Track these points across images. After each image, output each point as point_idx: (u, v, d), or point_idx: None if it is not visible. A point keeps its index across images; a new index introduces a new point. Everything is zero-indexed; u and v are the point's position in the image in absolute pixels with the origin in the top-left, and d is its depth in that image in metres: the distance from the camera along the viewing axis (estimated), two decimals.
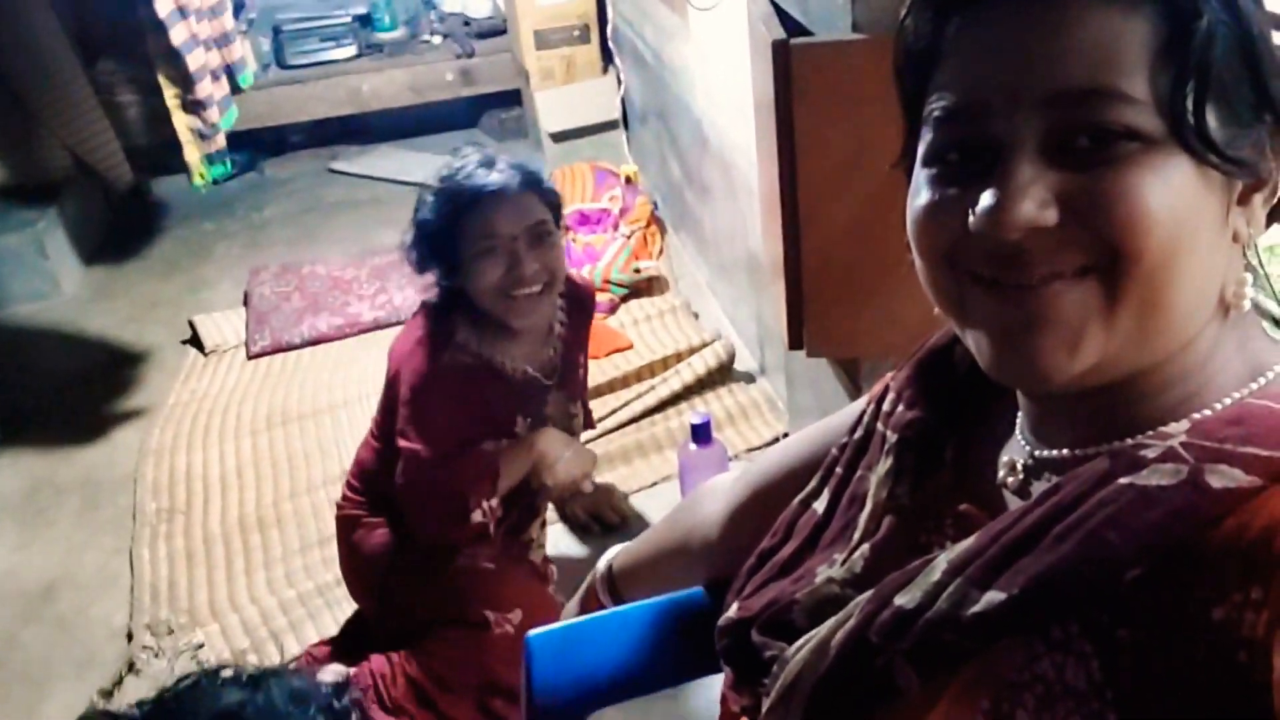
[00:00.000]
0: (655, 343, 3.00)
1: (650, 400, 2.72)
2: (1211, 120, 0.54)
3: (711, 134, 2.88)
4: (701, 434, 2.07)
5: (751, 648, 0.72)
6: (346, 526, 2.01)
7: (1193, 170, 0.54)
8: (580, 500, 2.34)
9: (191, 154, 3.85)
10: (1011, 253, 0.56)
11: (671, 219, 3.60)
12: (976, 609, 0.57)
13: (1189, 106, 0.53)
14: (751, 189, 2.33)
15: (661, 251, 3.48)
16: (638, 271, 3.28)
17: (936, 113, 0.59)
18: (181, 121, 3.82)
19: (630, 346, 2.99)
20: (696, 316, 3.16)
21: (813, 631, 0.67)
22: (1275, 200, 0.60)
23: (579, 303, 2.04)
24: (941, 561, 0.61)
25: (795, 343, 1.63)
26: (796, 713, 0.65)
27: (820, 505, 0.78)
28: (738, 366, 2.86)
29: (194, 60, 3.68)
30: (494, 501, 1.86)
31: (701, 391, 2.78)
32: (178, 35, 3.62)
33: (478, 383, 1.85)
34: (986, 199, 0.55)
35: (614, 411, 2.68)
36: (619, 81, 3.96)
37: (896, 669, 0.60)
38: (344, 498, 2.03)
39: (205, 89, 3.78)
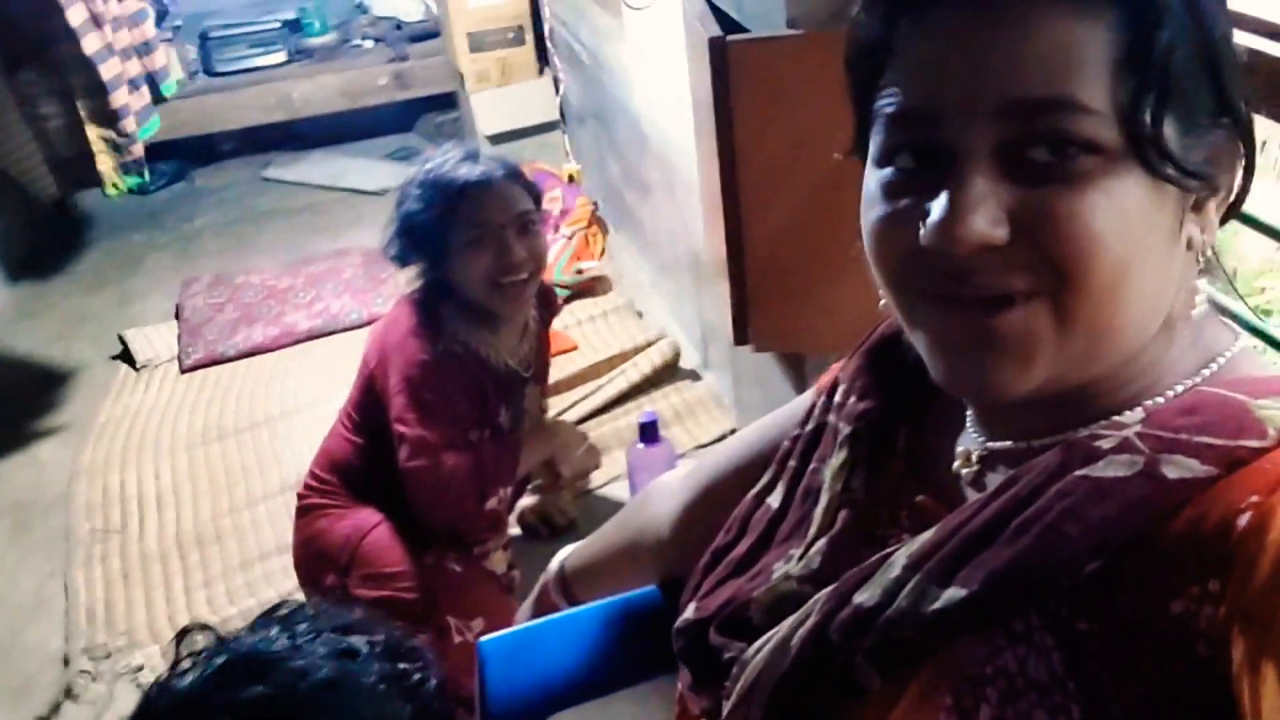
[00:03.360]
0: (600, 343, 2.99)
1: (597, 401, 2.72)
2: (1169, 129, 0.53)
3: (650, 133, 2.87)
4: (649, 433, 2.06)
5: (710, 649, 0.70)
6: (308, 516, 1.97)
7: (1147, 184, 0.53)
8: (529, 503, 2.33)
9: (105, 163, 3.76)
10: (962, 269, 0.54)
11: (612, 219, 3.59)
12: (937, 605, 0.56)
13: (1148, 118, 0.52)
14: (691, 187, 2.33)
15: (603, 252, 3.47)
16: (580, 272, 3.27)
17: (887, 110, 0.57)
18: (95, 131, 3.73)
19: (575, 348, 2.98)
20: (640, 316, 3.15)
21: (772, 631, 0.66)
22: (1229, 204, 0.59)
23: (544, 298, 2.10)
24: (900, 557, 0.60)
25: (740, 338, 1.64)
26: (757, 714, 0.64)
27: (774, 500, 0.76)
28: (683, 364, 2.86)
29: (108, 69, 3.59)
30: (507, 490, 1.92)
31: (648, 391, 2.78)
32: (90, 44, 3.54)
33: (471, 372, 1.88)
34: (937, 213, 0.54)
35: (561, 413, 2.66)
36: (556, 82, 3.94)
37: (858, 668, 0.59)
38: (307, 486, 2.00)
39: (121, 98, 3.70)
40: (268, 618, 0.85)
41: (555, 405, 2.69)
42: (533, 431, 2.06)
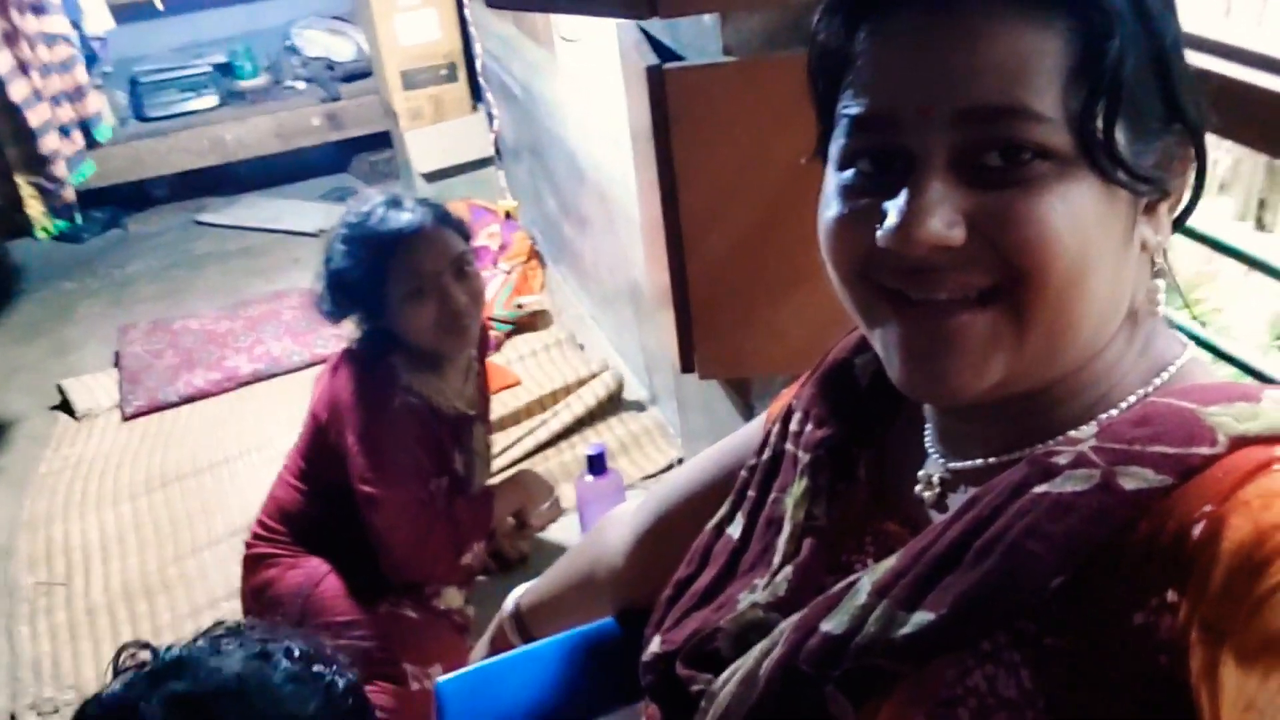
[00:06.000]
0: (543, 377, 3.01)
1: (542, 435, 2.73)
2: (1120, 136, 0.54)
3: (587, 166, 2.91)
4: (597, 465, 2.08)
5: (678, 682, 0.69)
6: (257, 565, 1.95)
7: (1100, 188, 0.54)
8: None
9: (33, 208, 3.71)
10: (918, 268, 0.56)
11: (551, 253, 3.62)
12: (906, 630, 0.56)
13: (1099, 125, 0.53)
14: (631, 218, 2.37)
15: (543, 286, 3.50)
16: (520, 307, 3.29)
17: (848, 115, 0.59)
18: (23, 177, 3.68)
19: (518, 383, 2.99)
20: (582, 348, 3.18)
21: (739, 661, 0.65)
22: (1180, 208, 0.61)
23: (480, 335, 2.08)
24: (865, 583, 0.60)
25: (687, 366, 1.66)
26: None
27: (735, 530, 0.76)
28: (627, 395, 2.89)
29: (36, 116, 3.55)
30: (481, 544, 1.93)
31: (593, 423, 2.80)
32: (17, 91, 3.50)
33: (424, 421, 1.87)
34: (893, 216, 0.55)
35: (506, 449, 2.68)
36: (490, 118, 3.97)
37: (830, 698, 0.59)
38: (255, 535, 1.98)
39: (50, 144, 3.65)
40: (202, 634, 0.92)
41: (500, 441, 2.71)
42: (502, 484, 2.11)
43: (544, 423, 2.77)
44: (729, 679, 0.65)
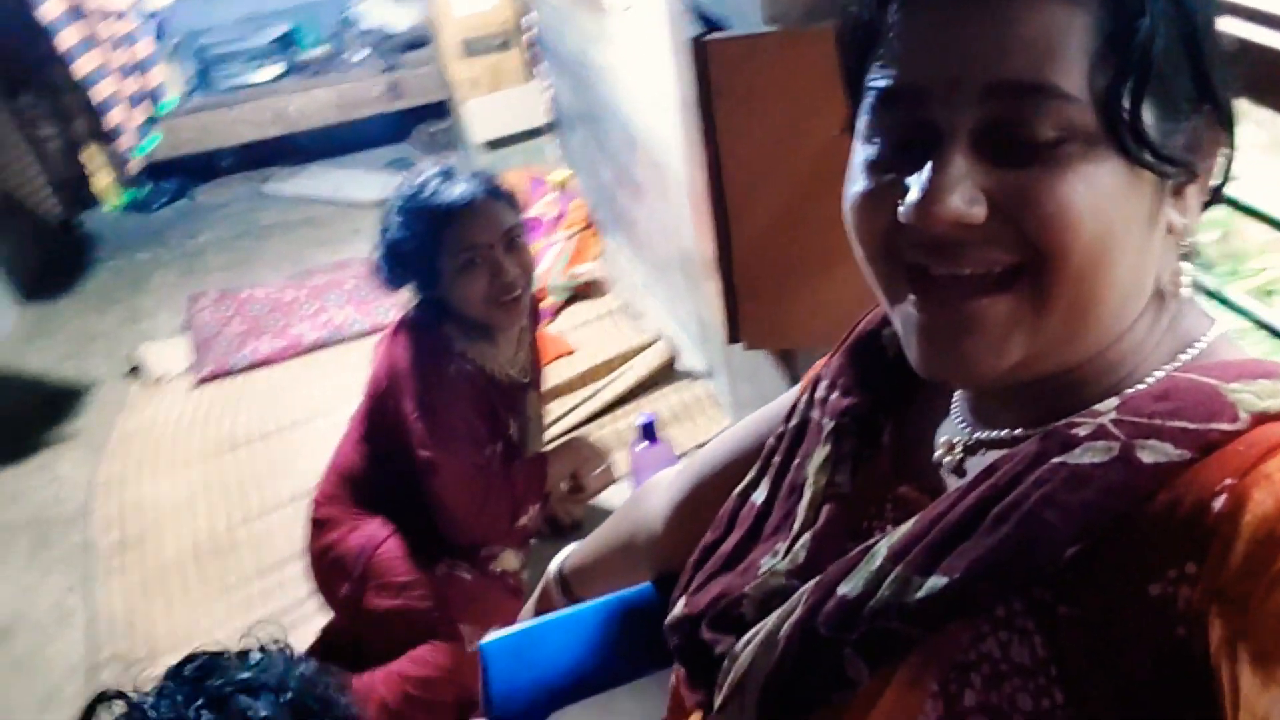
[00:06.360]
0: (597, 347, 3.03)
1: (595, 405, 2.76)
2: (1147, 116, 0.53)
3: (640, 134, 2.91)
4: (648, 434, 2.11)
5: (702, 644, 0.71)
6: (320, 527, 2.02)
7: (1125, 169, 0.54)
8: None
9: (102, 180, 3.82)
10: (939, 243, 0.56)
11: (606, 221, 3.63)
12: (920, 595, 0.57)
13: (1126, 105, 0.53)
14: (684, 186, 2.37)
15: (599, 254, 3.51)
16: (576, 276, 3.31)
17: (875, 88, 0.59)
18: (92, 150, 3.79)
19: (572, 352, 3.02)
20: (637, 318, 3.20)
21: (760, 624, 0.67)
22: (1209, 191, 0.60)
23: (530, 305, 2.10)
24: (882, 548, 0.61)
25: (732, 336, 1.67)
26: (750, 708, 0.65)
27: (760, 496, 0.77)
28: (681, 365, 2.90)
29: (103, 89, 3.65)
30: (537, 507, 1.98)
31: (647, 392, 2.82)
32: (84, 65, 3.59)
33: (480, 389, 1.91)
34: (915, 191, 0.55)
35: (560, 418, 2.72)
36: (546, 87, 3.99)
37: (847, 660, 0.60)
38: (319, 499, 2.04)
39: (117, 116, 3.75)
40: (173, 675, 0.90)
41: (554, 410, 2.74)
42: (557, 450, 2.15)
43: (597, 392, 2.80)
44: (750, 641, 0.67)
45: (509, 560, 2.07)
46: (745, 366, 2.14)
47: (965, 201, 0.54)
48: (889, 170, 0.58)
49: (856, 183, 0.60)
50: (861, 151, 0.60)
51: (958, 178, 0.54)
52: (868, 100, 0.60)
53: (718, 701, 0.69)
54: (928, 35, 0.56)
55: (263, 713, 0.84)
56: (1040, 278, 0.55)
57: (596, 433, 2.69)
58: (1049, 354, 0.58)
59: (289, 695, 0.87)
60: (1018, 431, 0.63)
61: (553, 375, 2.88)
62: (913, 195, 0.55)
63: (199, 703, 0.85)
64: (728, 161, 1.51)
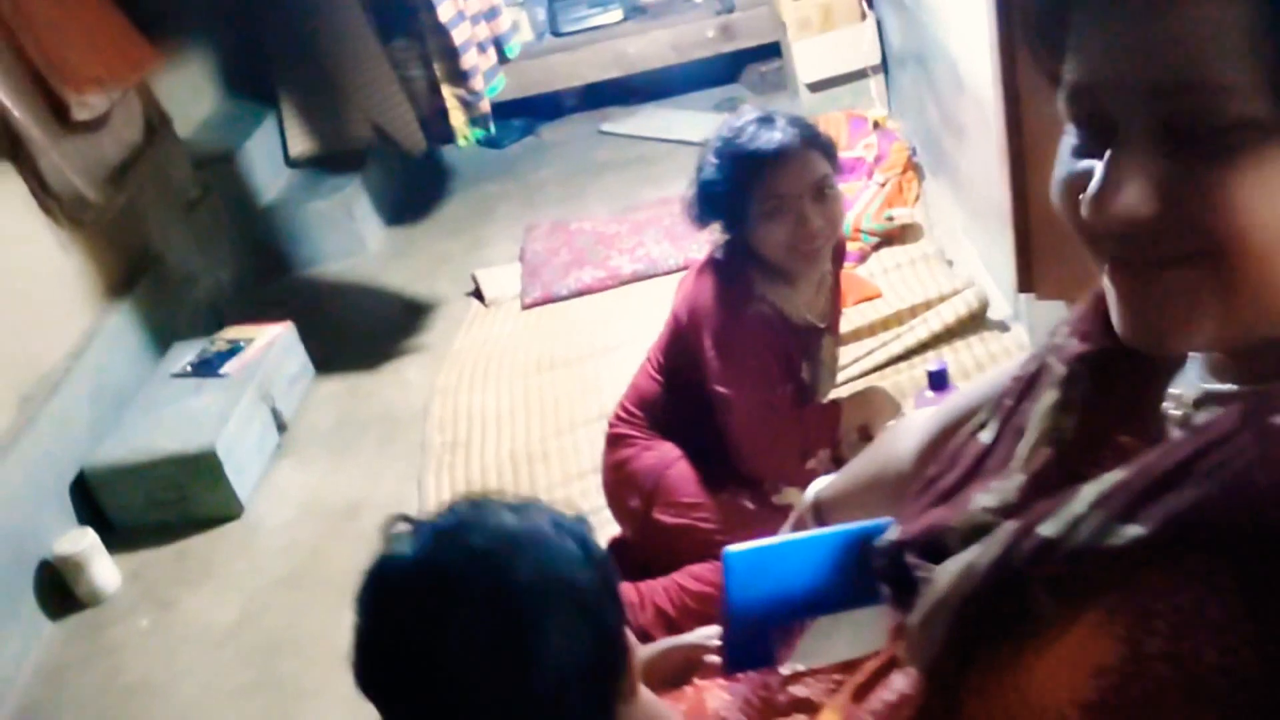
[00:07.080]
0: (905, 291, 2.99)
1: (895, 348, 2.73)
2: None
3: (966, 76, 2.81)
4: (938, 381, 2.07)
5: (904, 568, 0.73)
6: (617, 444, 2.16)
7: None
8: None
9: (456, 118, 4.14)
10: (1119, 236, 0.57)
11: (929, 164, 3.54)
12: (1115, 542, 0.57)
13: None
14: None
15: (918, 198, 3.43)
16: (890, 219, 3.26)
17: (1065, 80, 0.60)
18: (448, 90, 4.13)
19: (879, 295, 2.99)
20: (950, 264, 3.11)
21: (961, 555, 0.68)
22: None
23: (835, 251, 2.12)
24: (1088, 493, 0.61)
25: (1023, 285, 1.63)
26: (941, 631, 0.67)
27: (987, 436, 0.78)
28: (992, 315, 2.80)
29: (459, 34, 3.94)
30: (826, 451, 2.02)
31: (950, 340, 2.75)
32: (445, 11, 3.90)
33: (777, 330, 1.97)
34: (1091, 187, 0.57)
35: (857, 359, 2.71)
36: (879, 25, 3.91)
37: (1036, 597, 0.61)
38: (617, 418, 2.19)
39: (470, 60, 4.05)
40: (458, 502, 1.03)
41: (853, 351, 2.74)
42: (852, 397, 2.16)
43: (898, 336, 2.77)
44: (948, 568, 0.69)
45: (792, 495, 2.12)
46: (1044, 318, 2.05)
47: (1136, 198, 0.55)
48: (1083, 158, 0.60)
49: (1059, 168, 0.62)
50: (1066, 136, 0.62)
51: (1129, 175, 0.55)
52: (1061, 91, 0.61)
53: (911, 622, 0.71)
54: (1099, 34, 0.57)
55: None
56: (1221, 264, 0.55)
57: (893, 377, 2.67)
58: (1245, 334, 0.58)
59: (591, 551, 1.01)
60: (1248, 389, 0.61)
61: (856, 317, 2.88)
62: (1089, 191, 0.57)
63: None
64: (1028, 108, 1.47)
